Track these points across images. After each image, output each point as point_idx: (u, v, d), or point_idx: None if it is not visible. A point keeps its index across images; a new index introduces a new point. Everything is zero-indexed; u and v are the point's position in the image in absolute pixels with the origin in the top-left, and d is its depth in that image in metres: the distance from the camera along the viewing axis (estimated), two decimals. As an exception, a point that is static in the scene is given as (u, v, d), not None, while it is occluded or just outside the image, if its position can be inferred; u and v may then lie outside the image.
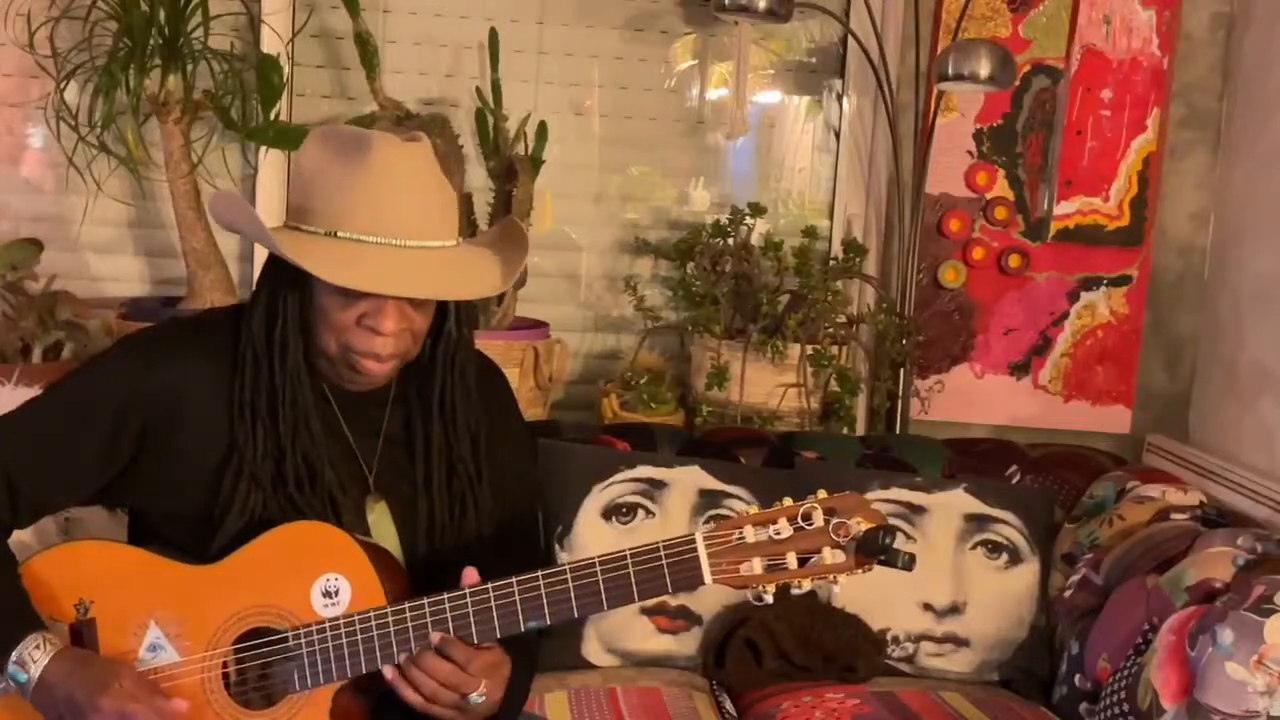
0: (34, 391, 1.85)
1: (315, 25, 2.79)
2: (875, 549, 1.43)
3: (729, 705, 2.18)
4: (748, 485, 2.31)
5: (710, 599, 2.25)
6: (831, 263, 2.84)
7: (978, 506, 2.34)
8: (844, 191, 2.96)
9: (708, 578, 1.46)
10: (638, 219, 2.97)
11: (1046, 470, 2.54)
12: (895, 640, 2.28)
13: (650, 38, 2.92)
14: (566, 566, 1.49)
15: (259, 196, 2.76)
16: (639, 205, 2.97)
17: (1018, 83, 2.80)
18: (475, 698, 1.48)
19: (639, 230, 2.95)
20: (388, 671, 1.49)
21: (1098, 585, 2.24)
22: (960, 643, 2.29)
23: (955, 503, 2.34)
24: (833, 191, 2.99)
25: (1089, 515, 2.43)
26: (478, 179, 2.76)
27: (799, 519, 1.45)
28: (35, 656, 1.48)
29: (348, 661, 1.50)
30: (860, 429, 2.80)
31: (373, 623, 1.50)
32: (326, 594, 1.52)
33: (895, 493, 2.34)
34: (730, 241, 2.77)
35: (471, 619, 1.48)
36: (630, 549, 1.48)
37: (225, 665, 1.54)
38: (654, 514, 2.27)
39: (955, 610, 2.29)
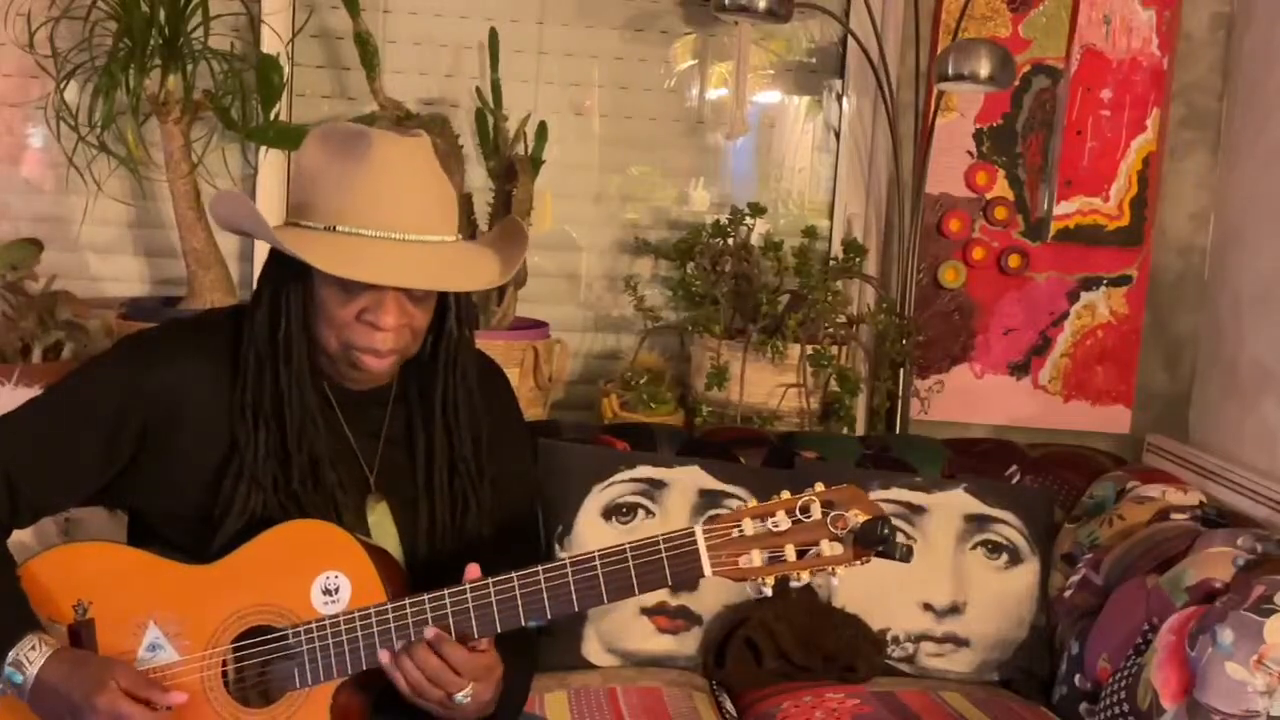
0: (34, 391, 1.86)
1: (315, 25, 2.79)
2: (873, 540, 1.44)
3: (729, 705, 2.18)
4: (748, 485, 2.31)
5: (710, 599, 2.25)
6: (831, 263, 2.84)
7: (978, 506, 2.34)
8: (844, 191, 2.96)
9: (708, 570, 1.46)
10: (638, 219, 2.97)
11: (1046, 470, 2.54)
12: (895, 640, 2.28)
13: (650, 38, 2.92)
14: (567, 561, 1.49)
15: (259, 196, 2.76)
16: (639, 205, 2.97)
17: (1018, 83, 2.80)
18: (460, 697, 1.48)
19: (639, 230, 2.95)
20: (383, 656, 1.49)
21: (1098, 585, 2.24)
22: (960, 643, 2.29)
23: (955, 503, 2.34)
24: (833, 191, 2.99)
25: (1089, 515, 2.43)
26: (478, 179, 2.76)
27: (797, 512, 1.46)
28: (31, 658, 1.48)
29: (348, 659, 1.50)
30: (860, 429, 2.80)
31: (373, 619, 1.50)
32: (326, 591, 1.52)
33: (895, 493, 2.34)
34: (730, 241, 2.77)
35: (472, 614, 1.48)
36: (630, 543, 1.49)
37: (225, 664, 1.54)
38: (654, 514, 2.27)
39: (955, 610, 2.29)
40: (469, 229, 2.58)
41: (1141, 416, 2.99)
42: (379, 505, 1.65)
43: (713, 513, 2.26)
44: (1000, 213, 2.91)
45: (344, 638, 1.50)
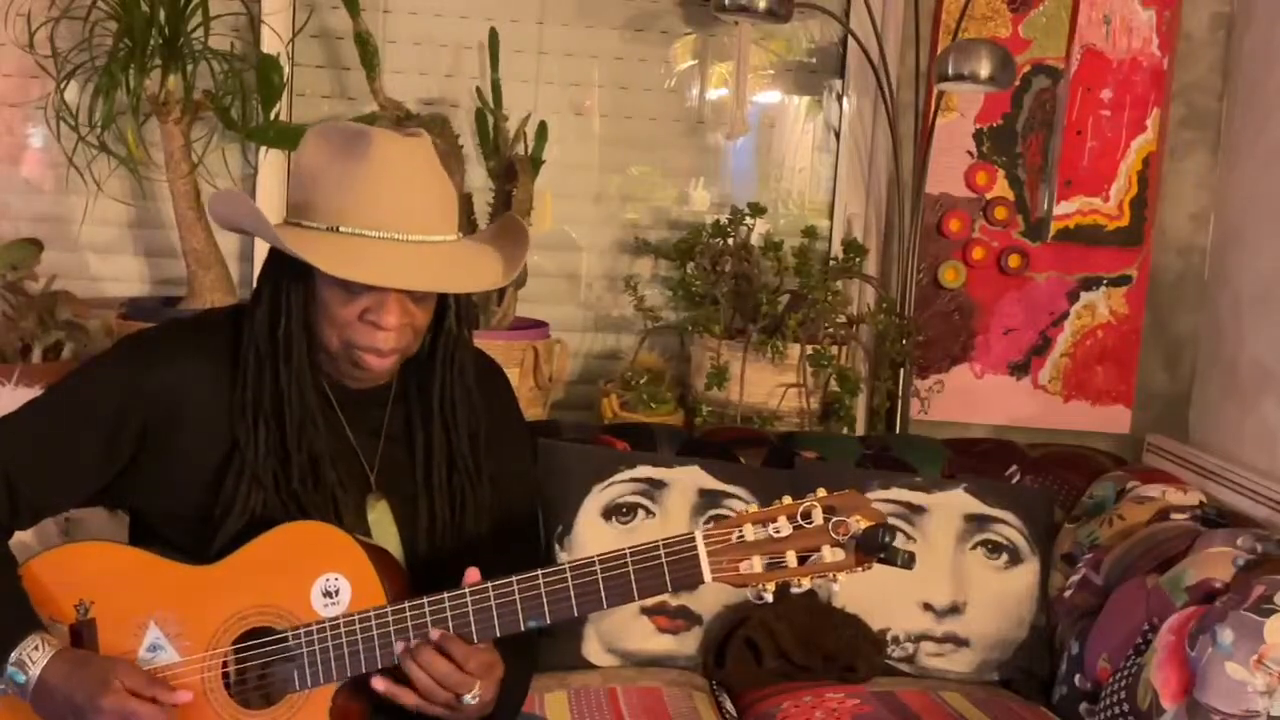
0: (34, 391, 1.86)
1: (315, 25, 2.79)
2: (875, 547, 1.43)
3: (729, 705, 2.18)
4: (748, 485, 2.31)
5: (710, 599, 2.25)
6: (831, 263, 2.85)
7: (978, 506, 2.34)
8: (844, 191, 2.96)
9: (707, 576, 1.46)
10: (638, 219, 2.97)
11: (1046, 470, 2.54)
12: (895, 640, 2.28)
13: (650, 38, 2.92)
14: (566, 565, 1.49)
15: (259, 196, 2.76)
16: (639, 205, 2.97)
17: (1018, 83, 2.80)
18: (469, 698, 1.48)
19: (639, 230, 2.95)
20: (379, 684, 1.48)
21: (1098, 585, 2.24)
22: (960, 643, 2.29)
23: (955, 503, 2.34)
24: (833, 191, 2.99)
25: (1089, 515, 2.43)
26: (478, 179, 2.76)
27: (798, 517, 1.45)
28: (34, 657, 1.48)
29: (347, 661, 1.50)
30: (860, 429, 2.80)
31: (373, 622, 1.49)
32: (326, 594, 1.52)
33: (895, 493, 2.34)
34: (730, 241, 2.77)
35: (471, 618, 1.48)
36: (630, 548, 1.48)
37: (225, 665, 1.54)
38: (654, 514, 2.27)
39: (955, 610, 2.29)
40: (469, 229, 2.57)
41: (1141, 416, 2.99)
42: (379, 503, 1.65)
43: (713, 513, 2.26)
44: (1000, 213, 2.91)
45: (343, 640, 1.50)
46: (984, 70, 2.52)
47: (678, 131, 2.96)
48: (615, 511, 2.26)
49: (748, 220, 2.77)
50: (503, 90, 2.67)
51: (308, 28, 2.74)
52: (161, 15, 2.47)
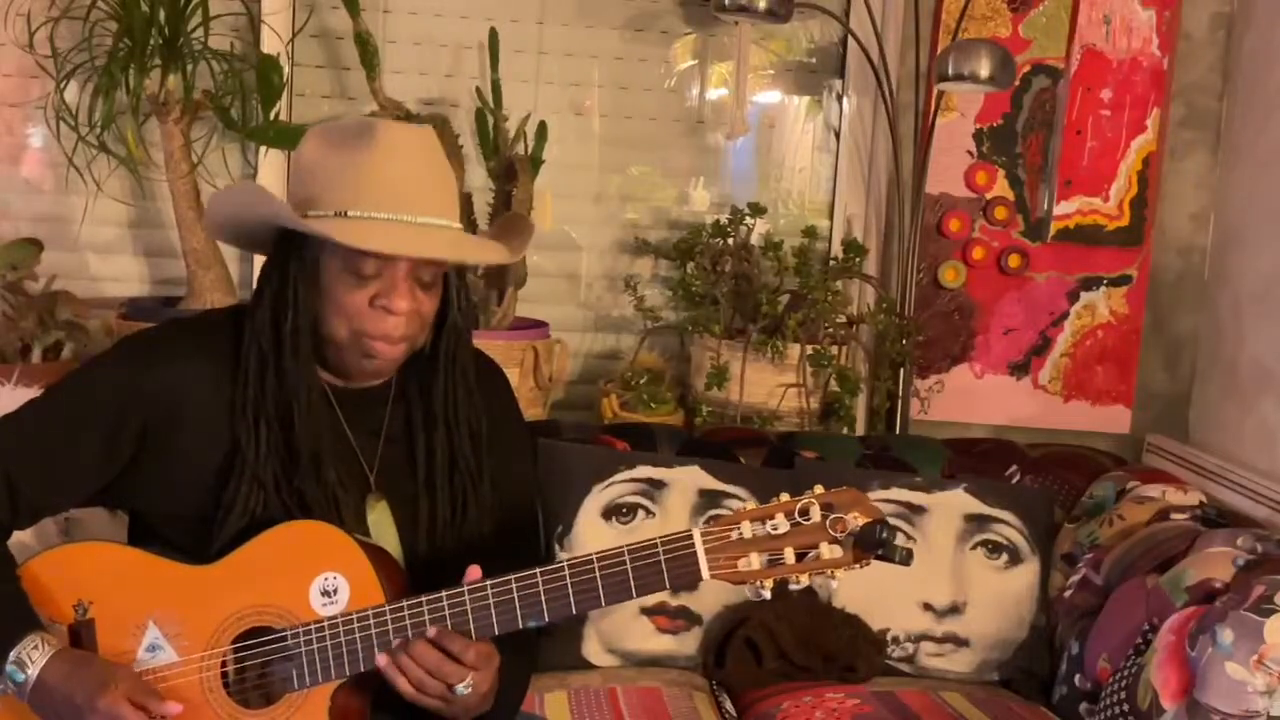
0: (34, 391, 1.86)
1: (315, 25, 2.79)
2: (873, 544, 1.43)
3: (729, 705, 2.18)
4: (748, 485, 2.31)
5: (710, 599, 2.25)
6: (831, 263, 2.85)
7: (978, 506, 2.34)
8: (844, 191, 2.96)
9: (705, 573, 1.46)
10: (638, 219, 2.97)
11: (1046, 470, 2.54)
12: (895, 640, 2.28)
13: (650, 38, 2.92)
14: (565, 563, 1.49)
15: (259, 196, 2.76)
16: (639, 205, 2.97)
17: (1018, 83, 2.80)
18: (462, 689, 1.48)
19: (639, 230, 2.95)
20: (381, 659, 1.49)
21: (1098, 585, 2.24)
22: (960, 643, 2.29)
23: (955, 503, 2.34)
24: (833, 191, 2.99)
25: (1089, 515, 2.43)
26: (478, 179, 2.76)
27: (796, 514, 1.45)
28: (33, 657, 1.48)
29: (346, 660, 1.50)
30: (860, 429, 2.80)
31: (371, 621, 1.50)
32: (325, 593, 1.52)
33: (895, 493, 2.34)
34: (730, 241, 2.77)
35: (470, 616, 1.48)
36: (628, 545, 1.48)
37: (224, 665, 1.54)
38: (654, 514, 2.27)
39: (955, 610, 2.29)
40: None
41: (1141, 416, 2.99)
42: (379, 504, 1.65)
43: (713, 513, 2.26)
44: (1000, 213, 2.91)
45: (341, 639, 1.50)
46: (984, 70, 2.52)
47: (678, 131, 2.96)
48: (615, 511, 2.26)
49: (748, 220, 2.77)
50: (503, 90, 2.67)
51: (308, 28, 2.74)
52: (161, 15, 2.47)
